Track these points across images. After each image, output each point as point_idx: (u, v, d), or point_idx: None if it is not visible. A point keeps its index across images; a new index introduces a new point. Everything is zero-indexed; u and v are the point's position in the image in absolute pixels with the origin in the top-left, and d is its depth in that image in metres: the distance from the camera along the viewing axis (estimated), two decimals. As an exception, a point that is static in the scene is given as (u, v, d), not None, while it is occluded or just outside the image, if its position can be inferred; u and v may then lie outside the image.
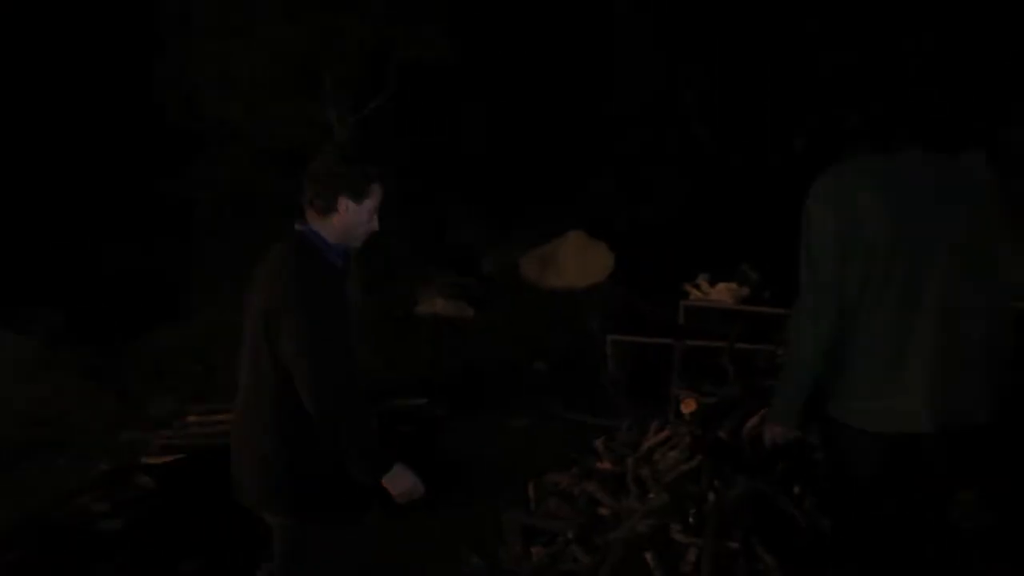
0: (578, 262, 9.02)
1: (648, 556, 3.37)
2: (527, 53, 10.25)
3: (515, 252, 9.60)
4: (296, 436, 2.39)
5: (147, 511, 4.10)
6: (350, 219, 2.50)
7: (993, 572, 3.14)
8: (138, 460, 5.06)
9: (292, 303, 2.32)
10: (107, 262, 9.88)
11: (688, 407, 4.20)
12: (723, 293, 6.20)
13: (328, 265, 2.47)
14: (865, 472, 2.53)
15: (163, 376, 7.62)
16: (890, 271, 2.32)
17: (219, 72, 9.26)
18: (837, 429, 2.54)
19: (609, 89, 10.34)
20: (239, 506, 4.26)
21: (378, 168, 2.55)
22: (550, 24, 10.30)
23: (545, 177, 10.16)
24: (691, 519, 3.47)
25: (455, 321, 8.41)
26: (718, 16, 9.68)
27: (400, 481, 2.47)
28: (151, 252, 10.31)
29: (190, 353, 8.13)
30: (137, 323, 8.59)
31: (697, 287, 6.37)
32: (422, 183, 10.39)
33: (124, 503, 4.13)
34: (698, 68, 9.96)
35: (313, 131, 9.71)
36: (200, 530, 4.05)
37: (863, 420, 2.47)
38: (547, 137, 10.32)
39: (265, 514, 2.58)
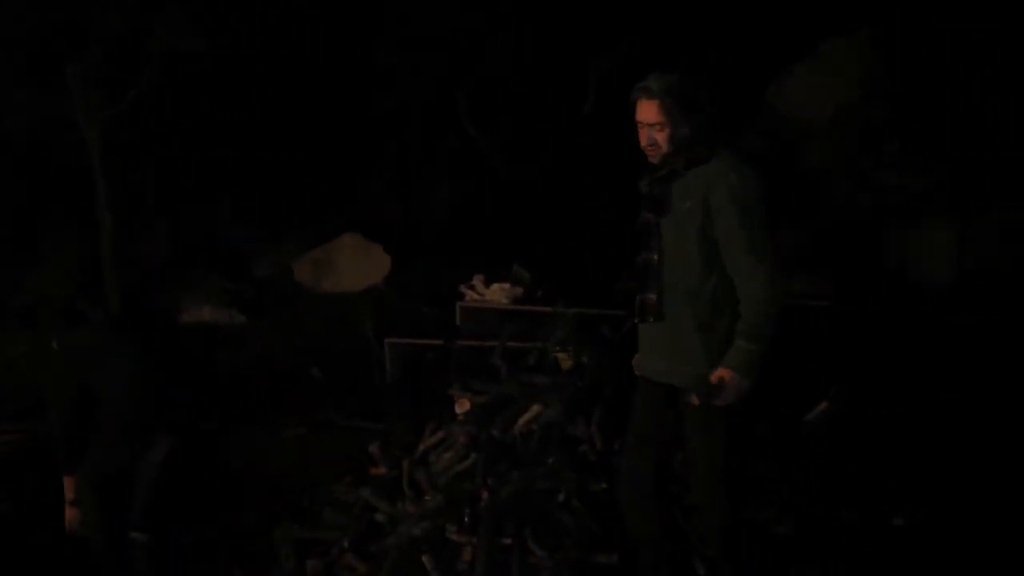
0: (354, 265, 8.87)
1: (424, 558, 3.38)
2: (292, 46, 9.94)
3: (288, 256, 9.29)
4: None
5: None
6: None
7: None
8: None
9: None
10: None
11: (462, 407, 4.25)
12: (497, 293, 6.35)
13: None
14: None
15: None
16: None
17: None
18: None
19: (379, 87, 10.26)
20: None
21: None
22: (318, 16, 10.06)
23: (315, 177, 9.91)
24: (466, 518, 3.51)
25: (225, 329, 8.00)
26: (490, 17, 9.87)
27: None
28: None
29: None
30: None
31: (472, 288, 6.48)
32: (184, 183, 9.81)
33: None
34: (471, 69, 10.11)
35: (53, 126, 8.88)
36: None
37: None
38: (316, 135, 10.07)
39: None
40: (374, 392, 5.90)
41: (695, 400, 2.63)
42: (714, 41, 9.24)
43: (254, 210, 9.67)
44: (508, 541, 3.37)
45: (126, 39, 8.31)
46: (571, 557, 3.29)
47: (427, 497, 3.74)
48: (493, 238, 8.32)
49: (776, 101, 8.47)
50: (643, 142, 2.70)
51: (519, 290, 6.39)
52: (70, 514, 3.49)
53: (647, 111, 2.65)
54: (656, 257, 2.72)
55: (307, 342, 7.37)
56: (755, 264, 2.56)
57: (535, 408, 4.06)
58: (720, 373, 2.59)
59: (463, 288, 6.52)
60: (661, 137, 2.65)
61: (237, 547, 3.97)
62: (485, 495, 3.57)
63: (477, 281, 6.54)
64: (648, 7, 9.60)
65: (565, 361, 4.52)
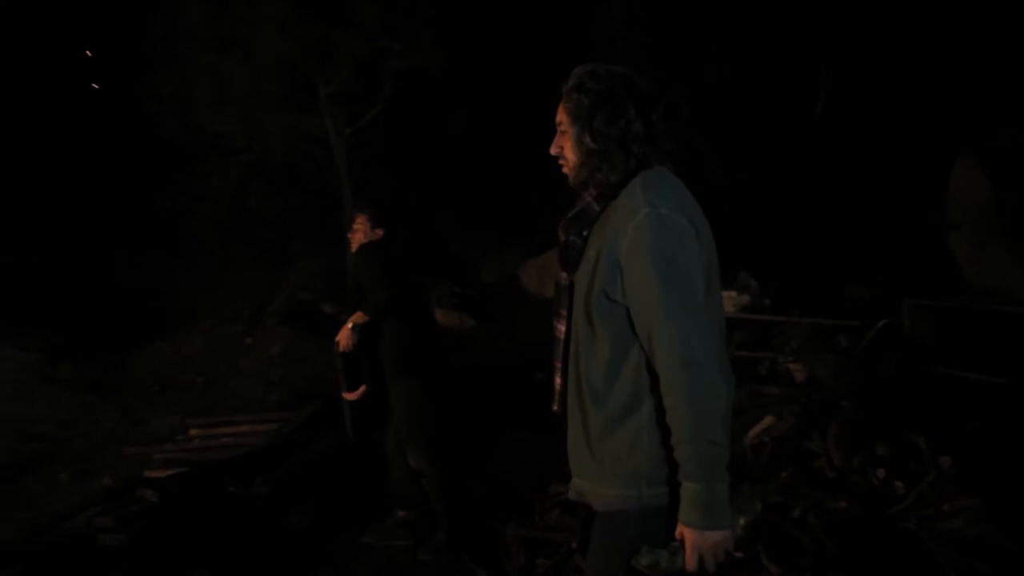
0: (577, 271, 8.99)
1: (653, 565, 3.37)
2: (516, 61, 10.27)
3: (514, 262, 9.60)
4: None
5: (150, 525, 4.10)
6: None
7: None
8: (140, 474, 5.06)
9: None
10: (106, 277, 9.88)
11: (689, 416, 4.19)
12: (723, 301, 6.21)
13: None
14: None
15: (163, 390, 7.62)
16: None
17: (212, 86, 9.27)
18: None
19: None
20: (241, 519, 4.31)
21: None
22: (538, 31, 10.33)
23: (539, 185, 10.17)
24: (694, 528, 3.46)
25: (455, 332, 8.40)
26: (704, 25, 9.72)
27: None
28: (149, 267, 10.31)
29: (190, 367, 8.12)
30: (136, 338, 8.58)
31: (696, 295, 6.37)
32: (417, 193, 10.40)
33: (127, 518, 4.13)
34: (688, 75, 9.99)
35: (308, 144, 9.73)
36: (203, 543, 4.08)
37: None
38: (538, 144, 10.33)
39: None
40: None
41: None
42: (958, 34, 8.56)
43: (481, 218, 10.07)
44: (739, 554, 3.28)
45: (369, 60, 8.99)
46: (806, 577, 3.16)
47: (655, 504, 3.72)
48: (717, 245, 8.14)
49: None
50: (552, 150, 2.06)
51: (745, 298, 6.23)
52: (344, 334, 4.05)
53: (559, 108, 2.02)
54: (564, 329, 2.00)
55: (532, 346, 7.56)
56: (679, 353, 1.76)
57: (766, 420, 3.94)
58: (680, 532, 1.80)
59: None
60: (566, 145, 2.00)
61: (471, 543, 4.14)
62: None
63: (701, 288, 6.42)
64: (883, 3, 9.05)
65: (798, 372, 4.36)
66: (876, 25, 8.93)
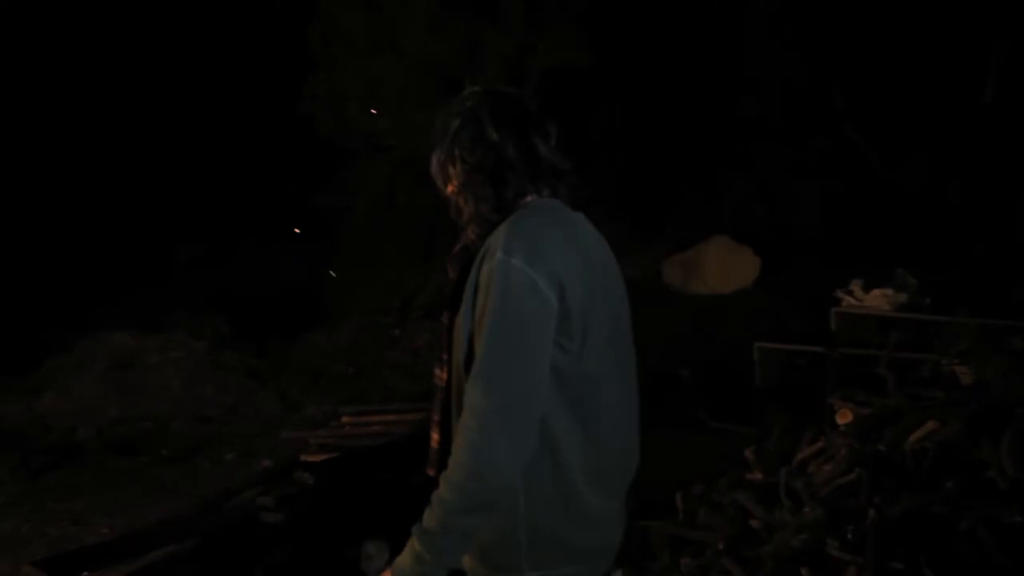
0: (723, 267, 8.76)
1: (803, 572, 3.26)
2: (662, 55, 10.12)
3: (657, 257, 9.48)
4: None
5: (306, 506, 4.32)
6: None
7: None
8: (297, 457, 5.35)
9: None
10: (268, 271, 10.47)
11: (844, 418, 4.03)
12: (878, 299, 5.95)
13: None
14: None
15: (318, 378, 8.00)
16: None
17: (367, 86, 9.65)
18: None
19: (747, 91, 10.07)
20: (390, 500, 4.47)
21: None
22: (685, 25, 10.14)
23: (684, 181, 9.99)
24: (849, 535, 3.32)
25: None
26: (857, 18, 9.27)
27: None
28: (307, 261, 10.86)
29: (342, 357, 8.48)
30: (294, 328, 9.04)
31: (850, 293, 6.13)
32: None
33: (285, 498, 4.36)
34: (844, 70, 9.56)
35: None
36: (356, 524, 4.23)
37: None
38: (685, 140, 10.15)
39: None
40: (745, 395, 5.82)
41: None
42: None
43: (623, 213, 10.00)
44: (899, 566, 3.13)
45: (516, 55, 9.13)
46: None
47: (806, 508, 3.59)
48: (873, 240, 7.78)
49: None
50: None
51: (903, 296, 5.92)
52: None
53: None
54: (445, 377, 1.69)
55: (675, 343, 7.44)
56: (467, 420, 1.50)
57: (929, 425, 3.72)
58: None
59: (839, 293, 6.19)
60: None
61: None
62: (872, 513, 3.35)
63: (855, 286, 6.17)
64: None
65: (965, 375, 4.09)
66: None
